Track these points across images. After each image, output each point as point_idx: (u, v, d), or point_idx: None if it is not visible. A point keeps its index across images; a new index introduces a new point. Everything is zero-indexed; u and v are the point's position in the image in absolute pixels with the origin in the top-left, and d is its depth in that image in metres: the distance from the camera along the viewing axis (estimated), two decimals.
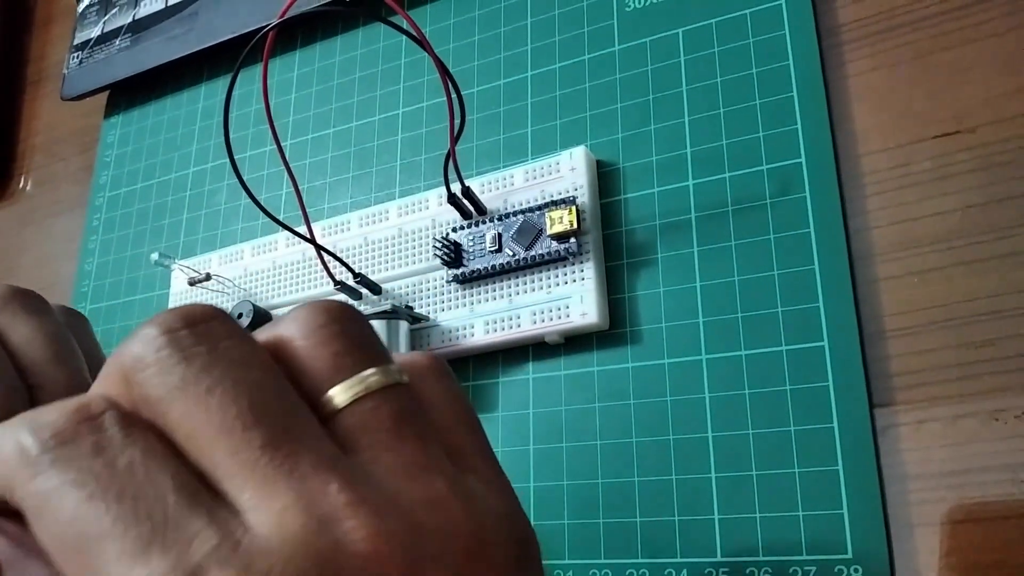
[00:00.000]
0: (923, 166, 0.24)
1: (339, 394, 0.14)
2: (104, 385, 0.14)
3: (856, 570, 0.21)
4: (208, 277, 0.29)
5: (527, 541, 0.15)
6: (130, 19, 0.40)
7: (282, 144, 0.35)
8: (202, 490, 0.13)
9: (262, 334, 0.15)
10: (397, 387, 0.15)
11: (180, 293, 0.32)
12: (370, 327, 0.16)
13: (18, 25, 0.49)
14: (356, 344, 0.15)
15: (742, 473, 0.23)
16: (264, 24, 0.35)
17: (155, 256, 0.29)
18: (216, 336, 0.14)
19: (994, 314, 0.22)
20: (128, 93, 0.41)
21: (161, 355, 0.13)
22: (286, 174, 0.26)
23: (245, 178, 0.25)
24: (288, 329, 0.15)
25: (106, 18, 0.41)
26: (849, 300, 0.23)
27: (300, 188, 0.34)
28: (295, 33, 0.37)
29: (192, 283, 0.29)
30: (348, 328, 0.15)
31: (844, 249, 0.24)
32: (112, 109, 0.41)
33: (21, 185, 0.45)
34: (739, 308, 0.24)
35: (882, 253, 0.24)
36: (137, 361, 0.14)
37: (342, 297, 0.28)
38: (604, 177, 0.27)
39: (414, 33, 0.23)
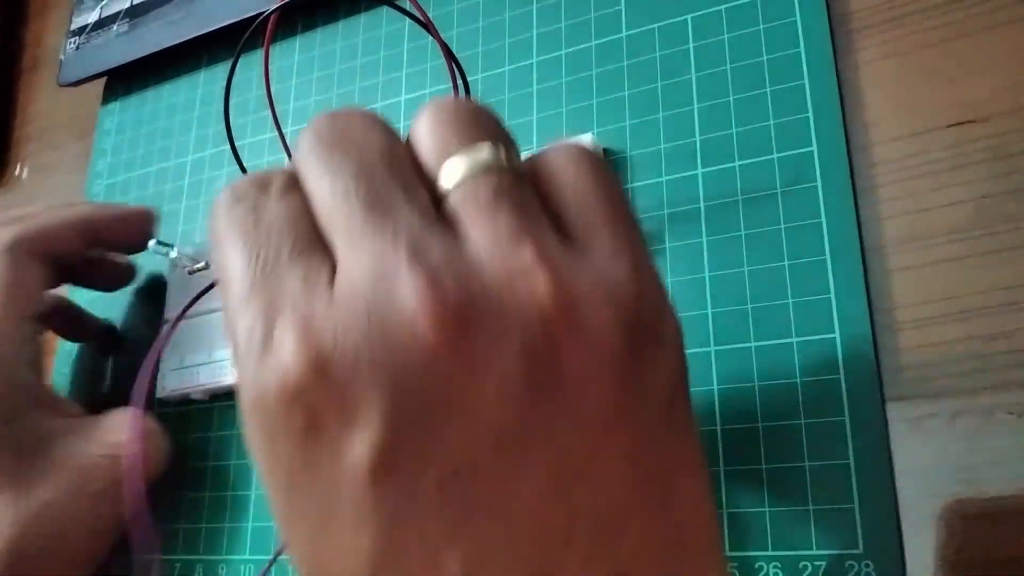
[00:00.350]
0: (937, 155, 0.24)
1: (447, 171, 0.16)
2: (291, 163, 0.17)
3: (867, 565, 0.21)
4: (207, 266, 0.28)
5: (648, 322, 0.15)
6: (128, 4, 0.39)
7: (284, 130, 0.35)
8: (316, 247, 0.15)
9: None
10: (501, 166, 0.16)
11: (177, 282, 0.32)
12: (491, 117, 0.17)
13: (14, 11, 0.48)
14: (467, 128, 0.16)
15: (751, 467, 0.22)
16: (264, 9, 0.34)
17: (152, 243, 0.28)
18: (350, 126, 0.16)
19: (1009, 306, 0.22)
20: (126, 79, 0.40)
21: (310, 142, 0.16)
22: (287, 161, 0.25)
23: (246, 165, 0.24)
24: (415, 123, 0.17)
25: (104, 3, 0.40)
26: (861, 291, 0.23)
27: None
28: (295, 18, 0.36)
29: (191, 272, 0.29)
30: (463, 116, 0.16)
31: (856, 239, 0.23)
32: (110, 95, 0.41)
33: (17, 172, 0.45)
34: (749, 299, 0.24)
35: (894, 244, 0.23)
36: (297, 146, 0.17)
37: None
38: (611, 164, 0.27)
39: (419, 16, 0.22)
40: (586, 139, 0.26)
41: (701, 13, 0.27)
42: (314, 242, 0.15)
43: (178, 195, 0.36)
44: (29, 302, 0.29)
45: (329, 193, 0.15)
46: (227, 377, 0.30)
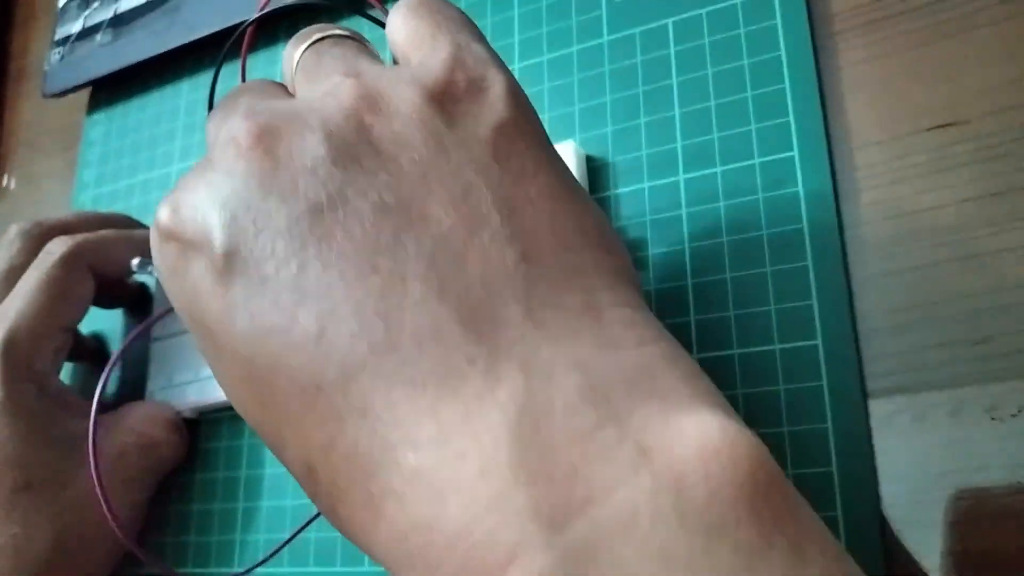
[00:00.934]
0: (918, 159, 0.23)
1: (295, 56, 0.20)
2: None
3: None
4: None
5: (461, 83, 0.18)
6: (111, 14, 0.39)
7: None
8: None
9: None
10: (326, 39, 0.20)
11: (162, 298, 0.32)
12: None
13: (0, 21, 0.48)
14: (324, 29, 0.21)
15: None
16: (246, 18, 0.34)
17: (136, 261, 0.28)
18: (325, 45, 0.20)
19: (991, 310, 0.22)
20: (110, 89, 0.40)
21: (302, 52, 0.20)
22: None
23: None
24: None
25: (87, 13, 0.40)
26: (843, 297, 0.23)
27: None
28: (278, 26, 0.36)
29: None
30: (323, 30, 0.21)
31: (838, 245, 0.23)
32: (95, 105, 0.41)
33: (5, 183, 0.45)
34: (731, 306, 0.24)
35: (877, 248, 0.23)
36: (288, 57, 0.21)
37: None
38: (594, 172, 0.27)
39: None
40: (568, 146, 0.26)
41: (682, 17, 0.27)
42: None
43: None
44: (71, 315, 0.29)
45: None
46: (216, 395, 0.30)
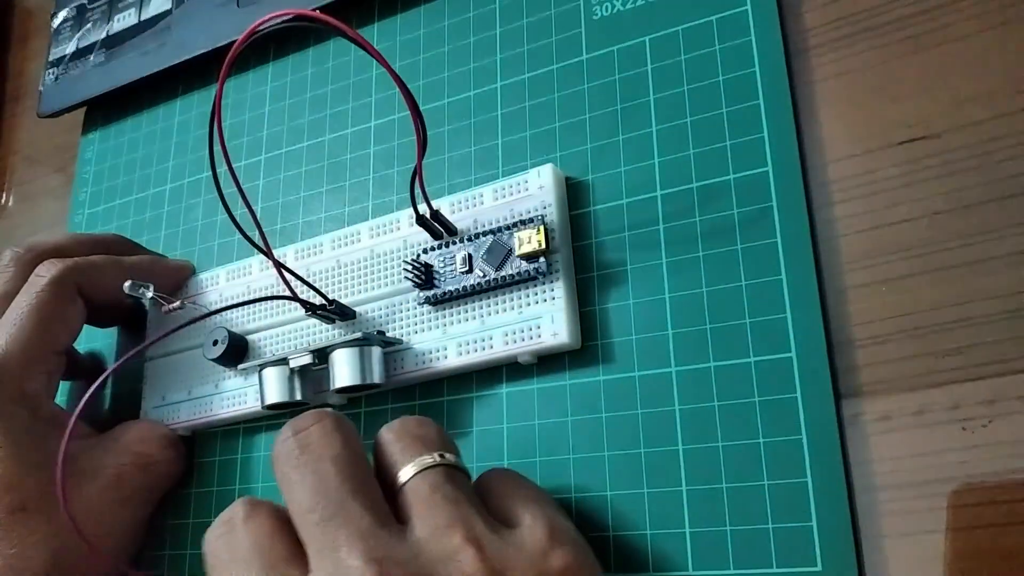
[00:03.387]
0: (889, 172, 0.24)
1: (401, 477, 0.21)
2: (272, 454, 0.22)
3: None
4: (182, 306, 0.29)
5: (562, 570, 0.19)
6: (104, 35, 0.40)
7: (257, 158, 0.35)
8: (291, 563, 0.19)
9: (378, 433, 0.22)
10: (437, 467, 0.21)
11: (156, 318, 0.33)
12: (431, 428, 0.22)
13: None
14: (420, 438, 0.22)
15: (712, 486, 0.23)
16: (237, 38, 0.34)
17: (128, 284, 0.29)
18: (309, 439, 0.21)
19: (961, 322, 0.22)
20: (104, 109, 0.41)
21: (280, 451, 0.21)
22: (247, 198, 0.26)
23: (224, 194, 0.24)
24: (379, 436, 0.22)
25: (80, 34, 0.41)
26: (816, 310, 0.23)
27: (276, 203, 0.34)
28: (267, 45, 0.37)
29: (166, 312, 0.29)
30: (405, 433, 0.22)
31: (811, 259, 0.23)
32: (89, 125, 0.41)
33: (3, 201, 0.45)
34: (707, 320, 0.24)
35: (850, 262, 0.24)
36: (272, 457, 0.22)
37: (314, 322, 0.28)
38: (573, 188, 0.27)
39: (373, 53, 0.22)
40: (547, 170, 0.26)
41: (659, 35, 0.28)
42: (289, 559, 0.19)
43: (157, 224, 0.37)
44: (62, 338, 0.30)
45: (296, 506, 0.20)
46: (208, 413, 0.30)
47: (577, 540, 0.20)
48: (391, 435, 0.22)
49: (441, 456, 0.21)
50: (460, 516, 0.19)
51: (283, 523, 0.20)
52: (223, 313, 0.30)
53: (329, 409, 0.23)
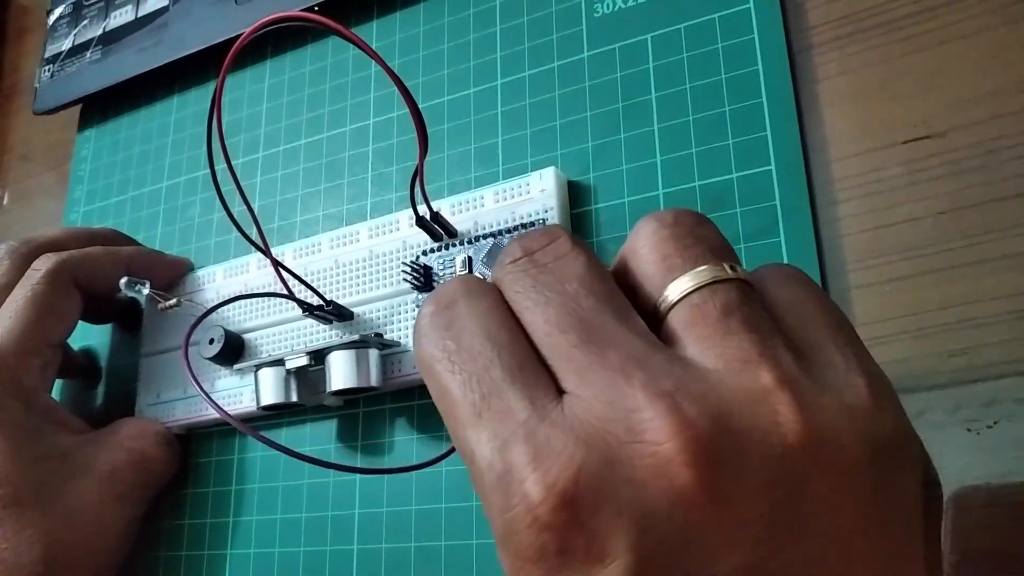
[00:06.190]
0: (893, 172, 0.24)
1: (671, 292, 0.16)
2: (492, 276, 0.17)
3: None
4: (179, 303, 0.28)
5: (890, 443, 0.15)
6: (100, 31, 0.39)
7: (255, 156, 0.35)
8: (529, 364, 0.15)
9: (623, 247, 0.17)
10: (728, 282, 0.15)
11: (152, 315, 0.32)
12: (711, 228, 0.17)
13: None
14: (688, 244, 0.16)
15: None
16: (234, 35, 0.34)
17: (124, 280, 0.28)
18: (545, 260, 0.16)
19: (966, 322, 0.22)
20: (100, 106, 0.40)
21: (510, 272, 0.17)
22: (245, 196, 0.25)
23: (222, 191, 0.24)
24: (633, 239, 0.17)
25: (76, 31, 0.40)
26: None
27: (273, 200, 0.33)
28: (265, 43, 0.36)
29: (162, 310, 0.29)
30: (683, 232, 0.16)
31: (815, 258, 0.23)
32: (85, 123, 0.41)
33: None
34: None
35: (853, 262, 0.23)
36: (496, 281, 0.17)
37: (311, 322, 0.28)
38: (575, 187, 0.27)
39: (369, 52, 0.22)
40: (549, 173, 0.26)
41: (660, 32, 0.27)
42: (526, 360, 0.15)
43: (154, 222, 0.36)
44: (58, 331, 0.30)
45: (542, 327, 0.16)
46: (203, 412, 0.30)
47: (896, 398, 0.16)
48: (654, 235, 0.16)
49: (732, 269, 0.16)
50: (766, 349, 0.15)
51: (519, 323, 0.16)
52: (220, 312, 0.30)
53: (557, 223, 0.19)
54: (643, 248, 0.16)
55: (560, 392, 0.15)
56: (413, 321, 0.27)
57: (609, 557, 0.13)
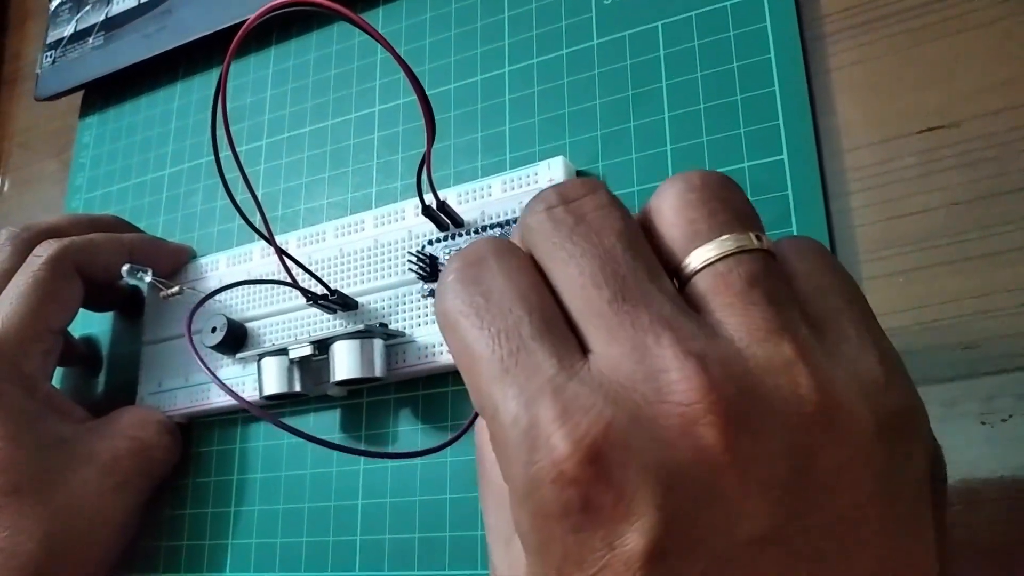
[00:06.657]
0: (907, 162, 0.23)
1: (695, 258, 0.15)
2: (513, 235, 0.17)
3: None
4: (181, 291, 0.28)
5: (901, 417, 0.15)
6: (103, 17, 0.39)
7: (258, 143, 0.34)
8: (557, 324, 0.15)
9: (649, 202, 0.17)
10: (754, 252, 0.15)
11: (154, 303, 0.32)
12: (738, 194, 0.16)
13: None
14: (717, 210, 0.16)
15: None
16: (238, 20, 0.34)
17: (126, 267, 0.28)
18: (583, 210, 0.16)
19: (980, 314, 0.22)
20: (103, 93, 0.40)
21: (545, 220, 0.16)
22: (249, 182, 0.25)
23: (226, 178, 0.24)
24: (658, 199, 0.16)
25: (79, 16, 0.40)
26: None
27: (277, 188, 0.33)
28: (270, 28, 0.36)
29: (164, 298, 0.29)
30: (710, 195, 0.16)
31: (828, 247, 0.23)
32: (87, 109, 0.41)
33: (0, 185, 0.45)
34: None
35: (866, 252, 0.23)
36: (525, 226, 0.16)
37: (315, 311, 0.28)
38: (583, 176, 0.27)
39: (379, 39, 0.22)
40: (557, 162, 0.26)
41: (671, 20, 0.27)
42: (555, 320, 0.15)
43: (156, 209, 0.36)
44: (59, 317, 0.29)
45: (576, 280, 0.15)
46: (205, 401, 0.30)
47: (907, 373, 0.16)
48: (680, 198, 0.16)
49: (757, 238, 0.16)
50: (787, 323, 0.15)
51: (548, 283, 0.16)
52: (223, 299, 0.29)
53: (595, 178, 0.19)
54: (668, 210, 0.16)
55: (586, 352, 0.15)
56: (418, 311, 0.27)
57: (635, 515, 0.13)
